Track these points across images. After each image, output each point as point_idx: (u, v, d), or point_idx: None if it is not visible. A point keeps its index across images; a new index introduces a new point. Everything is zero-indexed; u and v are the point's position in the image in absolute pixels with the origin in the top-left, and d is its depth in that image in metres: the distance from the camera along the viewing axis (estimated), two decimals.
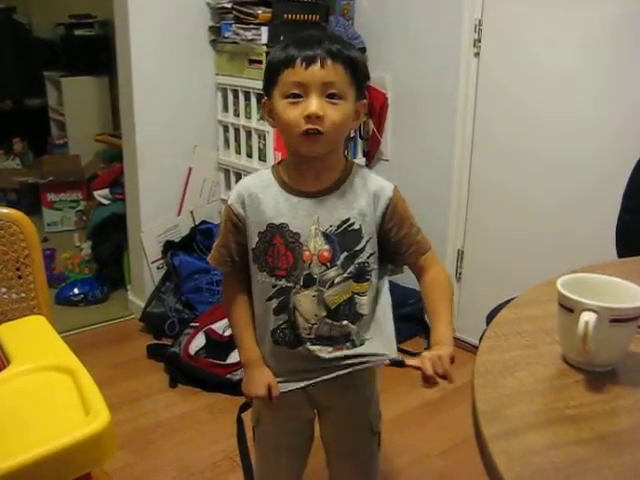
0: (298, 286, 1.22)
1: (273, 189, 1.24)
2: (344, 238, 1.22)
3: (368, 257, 1.24)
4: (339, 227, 1.22)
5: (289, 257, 1.21)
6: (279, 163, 1.30)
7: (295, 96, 1.15)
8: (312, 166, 1.22)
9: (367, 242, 1.23)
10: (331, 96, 1.15)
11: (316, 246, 1.21)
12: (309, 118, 1.14)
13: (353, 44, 1.22)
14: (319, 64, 1.13)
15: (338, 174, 1.24)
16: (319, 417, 1.42)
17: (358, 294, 1.25)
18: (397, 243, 1.26)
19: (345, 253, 1.22)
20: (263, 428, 1.42)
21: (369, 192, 1.24)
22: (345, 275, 1.22)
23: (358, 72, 1.18)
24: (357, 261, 1.22)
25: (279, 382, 1.31)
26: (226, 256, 1.28)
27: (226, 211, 1.28)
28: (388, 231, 1.25)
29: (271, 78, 1.18)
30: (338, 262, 1.21)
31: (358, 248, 1.22)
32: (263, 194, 1.23)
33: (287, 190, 1.23)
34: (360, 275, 1.24)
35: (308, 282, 1.22)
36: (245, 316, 1.31)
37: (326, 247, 1.21)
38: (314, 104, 1.13)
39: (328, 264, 1.21)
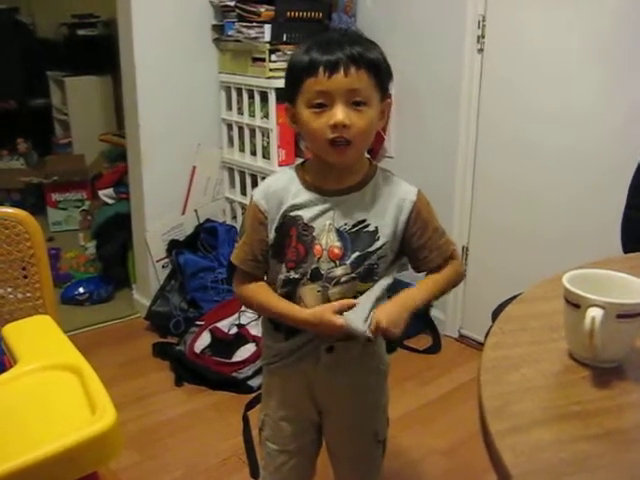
0: (305, 278, 1.23)
1: (295, 185, 1.25)
2: (357, 238, 1.22)
3: (378, 259, 1.23)
4: (354, 226, 1.22)
5: (300, 249, 1.22)
6: (302, 163, 1.30)
7: (320, 105, 1.14)
8: (336, 170, 1.23)
9: (381, 246, 1.22)
10: (356, 103, 1.14)
11: (328, 241, 1.21)
12: (335, 127, 1.13)
13: (374, 42, 1.20)
14: (342, 72, 1.12)
15: (361, 176, 1.25)
16: (323, 421, 1.41)
17: (361, 293, 1.25)
18: (420, 247, 1.26)
19: (357, 253, 1.22)
20: (268, 431, 1.42)
21: (393, 198, 1.24)
22: (353, 275, 1.22)
23: (381, 74, 1.17)
24: (367, 262, 1.22)
25: (276, 361, 1.34)
26: (249, 254, 1.28)
27: (251, 209, 1.28)
28: (412, 236, 1.25)
29: (294, 85, 1.17)
30: (348, 261, 1.22)
31: (370, 250, 1.22)
32: (285, 190, 1.24)
33: (308, 187, 1.24)
34: (367, 276, 1.24)
35: (315, 276, 1.23)
36: (270, 291, 1.28)
37: (337, 244, 1.21)
38: (340, 113, 1.13)
39: (337, 261, 1.22)
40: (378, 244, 1.22)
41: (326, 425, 1.41)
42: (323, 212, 1.22)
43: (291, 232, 1.23)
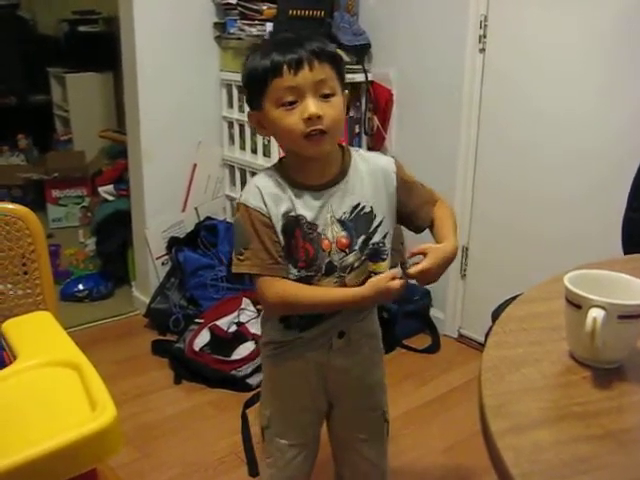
0: (320, 274, 1.25)
1: (283, 185, 1.25)
2: (358, 222, 1.25)
3: (383, 237, 1.27)
4: (352, 213, 1.25)
5: (308, 249, 1.24)
6: (279, 162, 1.31)
7: (290, 103, 1.16)
8: (316, 163, 1.24)
9: (380, 222, 1.27)
10: (325, 96, 1.17)
11: (334, 234, 1.24)
12: (309, 120, 1.15)
13: (324, 39, 1.23)
14: (307, 67, 1.14)
15: (339, 164, 1.27)
16: (333, 410, 1.42)
17: (375, 273, 1.27)
18: (414, 209, 1.32)
19: (362, 237, 1.26)
20: (278, 427, 1.41)
21: (376, 174, 1.28)
22: (363, 258, 1.26)
23: (340, 66, 1.22)
24: (371, 242, 1.26)
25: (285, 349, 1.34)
26: (268, 260, 1.22)
27: (251, 216, 1.22)
28: (403, 203, 1.31)
29: (258, 88, 1.18)
30: (356, 247, 1.26)
31: (372, 230, 1.26)
32: (277, 191, 1.24)
33: (296, 186, 1.24)
34: (375, 255, 1.27)
35: (330, 270, 1.25)
36: (308, 286, 1.25)
37: (343, 234, 1.24)
38: (312, 105, 1.15)
39: (347, 250, 1.25)
40: (377, 221, 1.26)
41: (337, 413, 1.43)
42: (321, 207, 1.24)
43: (296, 233, 1.23)
